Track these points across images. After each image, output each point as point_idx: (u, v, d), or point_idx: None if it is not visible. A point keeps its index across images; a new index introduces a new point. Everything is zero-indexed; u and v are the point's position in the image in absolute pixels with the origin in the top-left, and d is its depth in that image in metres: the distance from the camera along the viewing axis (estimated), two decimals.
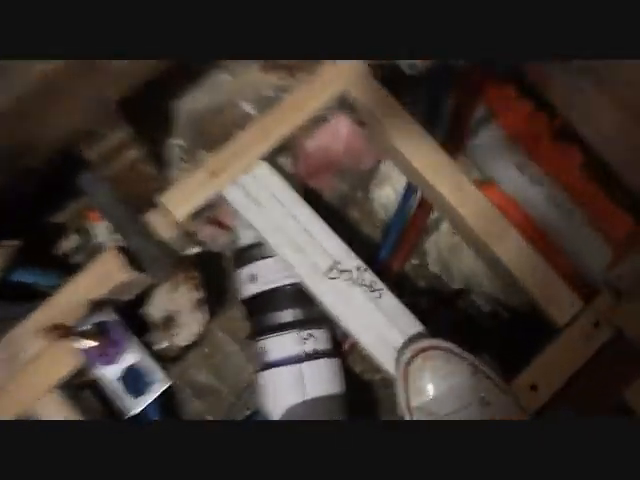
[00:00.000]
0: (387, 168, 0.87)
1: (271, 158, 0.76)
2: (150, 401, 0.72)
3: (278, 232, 0.74)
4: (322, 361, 0.77)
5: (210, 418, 0.87)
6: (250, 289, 0.79)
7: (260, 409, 0.78)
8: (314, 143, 0.81)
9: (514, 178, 0.78)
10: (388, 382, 0.71)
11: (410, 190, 0.83)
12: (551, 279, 0.71)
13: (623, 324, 0.67)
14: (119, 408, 0.73)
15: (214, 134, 0.78)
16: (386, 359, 0.70)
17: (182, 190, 0.74)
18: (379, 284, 0.73)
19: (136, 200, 0.74)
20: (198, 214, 0.76)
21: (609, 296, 0.69)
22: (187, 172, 0.76)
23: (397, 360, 0.67)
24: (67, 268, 0.83)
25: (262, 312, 0.79)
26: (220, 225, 0.81)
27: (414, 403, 0.63)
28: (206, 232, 0.80)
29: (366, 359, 0.74)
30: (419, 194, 0.82)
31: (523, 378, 0.68)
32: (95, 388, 0.74)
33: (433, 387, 0.63)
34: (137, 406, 0.72)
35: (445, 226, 0.86)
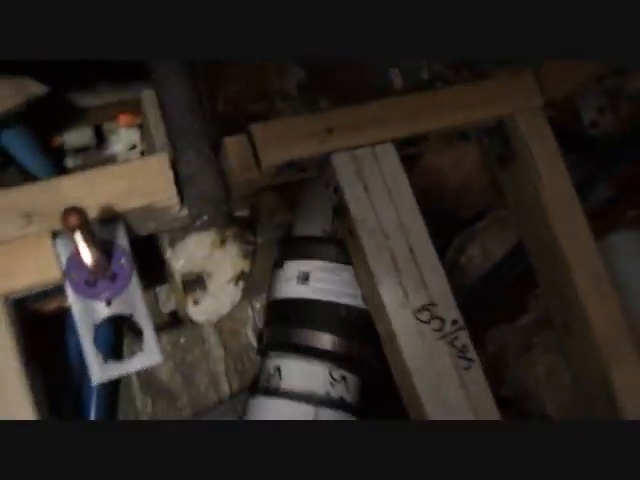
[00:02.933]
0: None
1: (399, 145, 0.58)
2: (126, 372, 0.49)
3: (373, 233, 0.55)
4: (342, 415, 0.58)
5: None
6: (295, 290, 0.59)
7: None
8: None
9: None
10: None
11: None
12: None
13: None
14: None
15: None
16: None
17: (284, 132, 0.54)
18: (471, 352, 0.55)
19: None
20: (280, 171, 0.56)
21: None
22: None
23: None
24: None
25: (296, 323, 0.59)
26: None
27: None
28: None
29: None
30: None
31: None
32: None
33: None
34: (103, 374, 0.49)
35: None
